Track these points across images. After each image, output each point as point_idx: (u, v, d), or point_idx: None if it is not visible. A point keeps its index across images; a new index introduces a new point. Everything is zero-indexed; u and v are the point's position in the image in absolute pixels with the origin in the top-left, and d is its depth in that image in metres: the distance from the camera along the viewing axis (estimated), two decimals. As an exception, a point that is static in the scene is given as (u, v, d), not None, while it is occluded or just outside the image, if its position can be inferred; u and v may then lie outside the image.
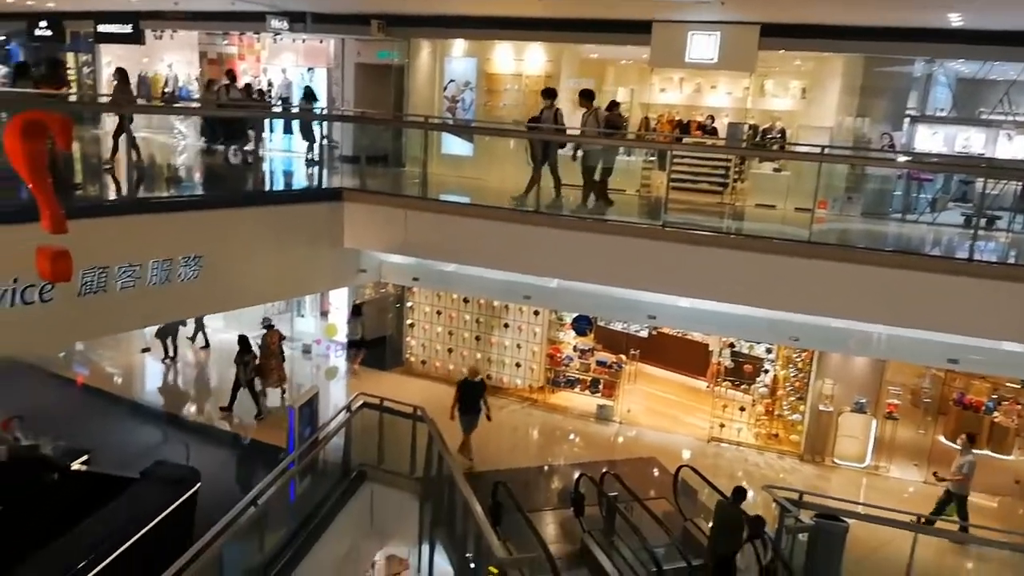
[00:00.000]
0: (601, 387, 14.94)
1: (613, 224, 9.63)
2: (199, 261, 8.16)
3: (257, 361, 13.67)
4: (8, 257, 6.35)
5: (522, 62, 15.28)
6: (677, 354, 15.87)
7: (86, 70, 21.16)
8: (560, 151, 10.70)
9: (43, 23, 20.25)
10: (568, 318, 15.14)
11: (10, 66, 20.74)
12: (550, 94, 11.04)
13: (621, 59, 16.78)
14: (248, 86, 16.05)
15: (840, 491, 11.37)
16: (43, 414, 11.95)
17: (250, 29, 17.44)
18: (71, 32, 20.64)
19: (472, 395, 11.87)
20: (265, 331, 14.06)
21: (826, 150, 11.29)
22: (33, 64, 20.14)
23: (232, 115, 13.94)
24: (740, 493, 8.49)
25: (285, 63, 17.63)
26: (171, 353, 15.92)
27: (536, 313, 15.14)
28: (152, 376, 16.05)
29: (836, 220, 11.24)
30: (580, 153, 10.75)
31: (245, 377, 13.40)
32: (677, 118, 16.14)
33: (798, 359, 13.55)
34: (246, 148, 12.85)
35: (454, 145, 14.92)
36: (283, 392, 14.20)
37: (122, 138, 10.20)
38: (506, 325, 15.35)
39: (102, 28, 18.93)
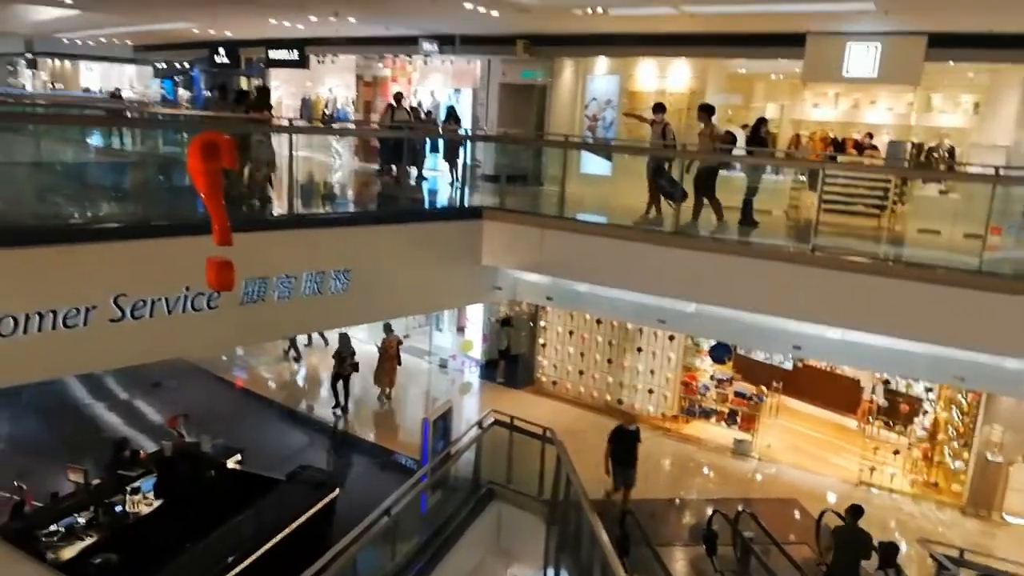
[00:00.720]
0: (739, 420, 14.29)
1: (757, 247, 9.21)
2: (348, 274, 8.60)
3: (354, 359, 14.50)
4: (183, 267, 6.99)
5: (666, 79, 15.03)
6: (824, 389, 14.91)
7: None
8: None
9: (221, 51, 22.29)
10: (705, 345, 14.61)
11: (197, 89, 22.95)
12: (659, 108, 10.77)
13: (771, 73, 16.12)
14: (415, 108, 16.47)
15: (1009, 551, 10.19)
16: (205, 413, 13.00)
17: (403, 52, 18.31)
18: (245, 58, 22.57)
19: (627, 446, 10.88)
20: (385, 335, 14.72)
21: (1002, 171, 10.25)
22: (210, 88, 22.20)
23: (382, 135, 14.62)
24: (858, 511, 7.82)
25: (434, 84, 18.34)
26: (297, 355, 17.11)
27: (671, 338, 14.73)
28: (298, 381, 17.08)
29: (1012, 248, 10.16)
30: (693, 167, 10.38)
31: (339, 371, 14.27)
32: (831, 135, 15.26)
33: (963, 401, 12.34)
34: (411, 168, 13.32)
35: (592, 164, 14.88)
36: (388, 394, 14.91)
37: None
38: (639, 349, 15.04)
39: (272, 54, 20.58)
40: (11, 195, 10.27)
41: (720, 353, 14.30)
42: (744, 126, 14.11)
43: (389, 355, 14.66)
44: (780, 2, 10.18)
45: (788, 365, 14.86)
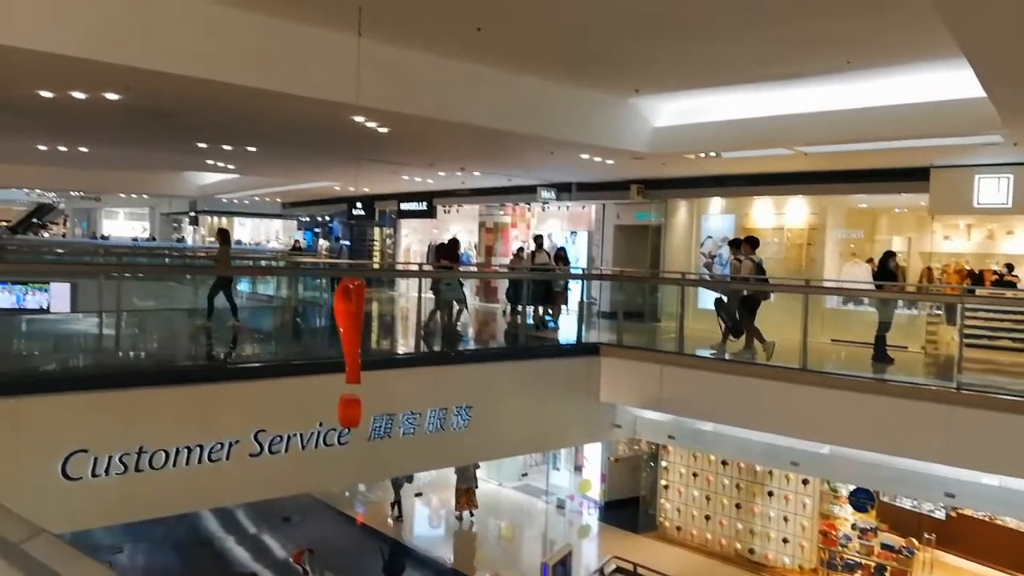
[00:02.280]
0: (887, 575, 12.89)
1: (894, 385, 8.71)
2: (469, 411, 8.80)
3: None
4: (317, 404, 7.43)
5: (783, 215, 15.01)
6: (986, 542, 13.27)
7: (388, 241, 24.79)
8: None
9: (359, 204, 24.38)
10: (844, 490, 13.54)
11: (335, 239, 24.93)
12: (735, 244, 11.32)
13: (894, 207, 15.78)
14: (559, 250, 16.53)
15: None
16: (327, 548, 13.17)
17: (522, 200, 19.38)
18: (379, 211, 24.53)
19: None
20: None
21: None
22: (349, 237, 24.06)
23: (506, 276, 15.21)
24: None
25: (551, 228, 19.14)
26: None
27: (805, 482, 13.77)
28: (420, 520, 17.06)
29: None
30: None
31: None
32: (967, 267, 14.52)
33: None
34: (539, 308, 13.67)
35: (711, 300, 14.79)
36: (471, 514, 15.05)
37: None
38: (770, 493, 14.11)
39: (404, 206, 22.32)
40: (169, 337, 11.41)
41: (861, 500, 13.17)
42: (869, 260, 13.73)
43: (467, 476, 14.78)
44: (900, 139, 10.15)
45: (940, 514, 13.43)
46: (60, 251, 20.89)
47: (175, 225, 39.94)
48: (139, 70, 7.51)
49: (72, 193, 34.29)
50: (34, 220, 37.60)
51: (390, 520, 16.33)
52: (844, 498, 13.72)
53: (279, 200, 30.17)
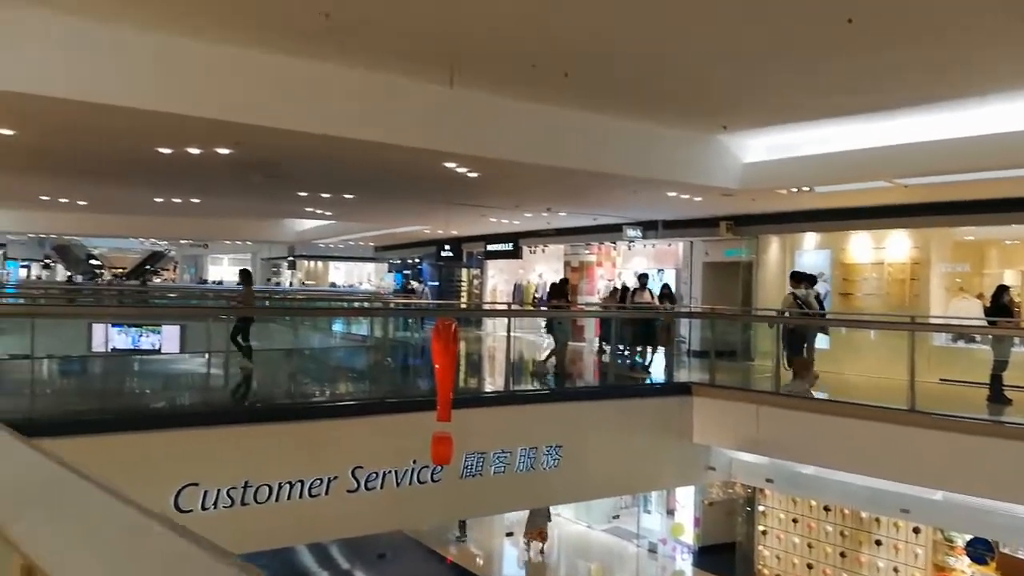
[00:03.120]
0: (1015, 634, 11.87)
1: (1014, 428, 8.15)
2: (560, 451, 8.78)
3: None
4: (411, 441, 7.60)
5: (883, 249, 14.43)
6: None
7: (475, 282, 25.23)
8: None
9: (447, 247, 25.00)
10: (960, 540, 12.65)
11: (425, 280, 25.54)
12: (810, 280, 11.59)
13: (1004, 239, 14.92)
14: (664, 287, 16.13)
15: None
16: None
17: (607, 239, 19.38)
18: (467, 252, 25.06)
19: None
20: None
21: None
22: (437, 278, 24.58)
23: (596, 315, 15.18)
24: None
25: (637, 266, 19.03)
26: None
27: (916, 531, 12.93)
28: (509, 560, 16.94)
29: None
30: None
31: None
32: (1090, 302, 13.51)
33: None
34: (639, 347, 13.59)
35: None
36: (541, 550, 14.90)
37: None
38: (878, 542, 13.31)
39: (490, 247, 22.75)
40: (270, 377, 11.92)
41: (980, 551, 12.25)
42: (979, 295, 12.99)
43: (538, 518, 14.63)
44: (1005, 168, 9.67)
45: (1073, 571, 12.33)
46: (172, 295, 22.26)
47: (274, 269, 41.90)
48: (249, 126, 8.07)
49: (181, 241, 36.58)
50: (147, 267, 40.25)
51: (452, 538, 16.47)
52: (960, 549, 12.81)
53: (371, 244, 31.26)
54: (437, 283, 27.26)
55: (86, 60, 7.02)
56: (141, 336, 15.23)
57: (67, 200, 19.11)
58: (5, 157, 10.90)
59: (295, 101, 8.09)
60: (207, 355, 10.51)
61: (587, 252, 20.98)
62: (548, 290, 13.77)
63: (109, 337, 14.92)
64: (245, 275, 12.48)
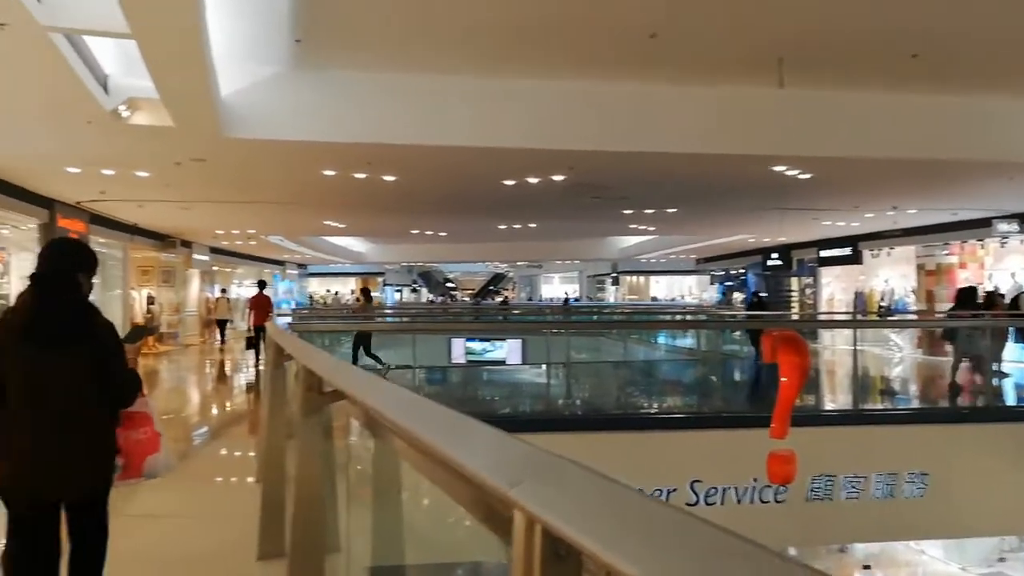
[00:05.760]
0: None
1: None
2: (924, 479, 7.79)
3: None
4: (751, 458, 7.34)
5: None
6: None
7: (808, 291, 23.59)
8: None
9: (774, 255, 23.75)
10: None
11: (749, 292, 24.66)
12: None
13: None
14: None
15: None
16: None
17: (971, 236, 16.78)
18: (797, 259, 23.56)
19: None
20: None
21: None
22: (764, 289, 23.54)
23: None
24: None
25: (1011, 266, 16.15)
26: None
27: None
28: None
29: None
30: None
31: None
32: None
33: None
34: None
35: None
36: None
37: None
38: None
39: (824, 253, 21.08)
40: (600, 387, 12.43)
41: None
42: None
43: None
44: None
45: None
46: (516, 312, 24.54)
47: (599, 285, 43.76)
48: (581, 152, 8.63)
49: (519, 263, 40.09)
50: (490, 288, 44.84)
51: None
52: None
53: (693, 256, 31.02)
54: (765, 294, 26.01)
55: (442, 111, 8.15)
56: (489, 349, 17.01)
57: (431, 232, 22.17)
58: (389, 200, 13.07)
59: (622, 123, 8.44)
60: (544, 366, 11.36)
61: (945, 252, 18.36)
62: (955, 297, 12.23)
63: (464, 349, 16.93)
64: (365, 293, 15.40)
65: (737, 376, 13.97)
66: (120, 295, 16.26)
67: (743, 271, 28.90)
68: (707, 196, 13.38)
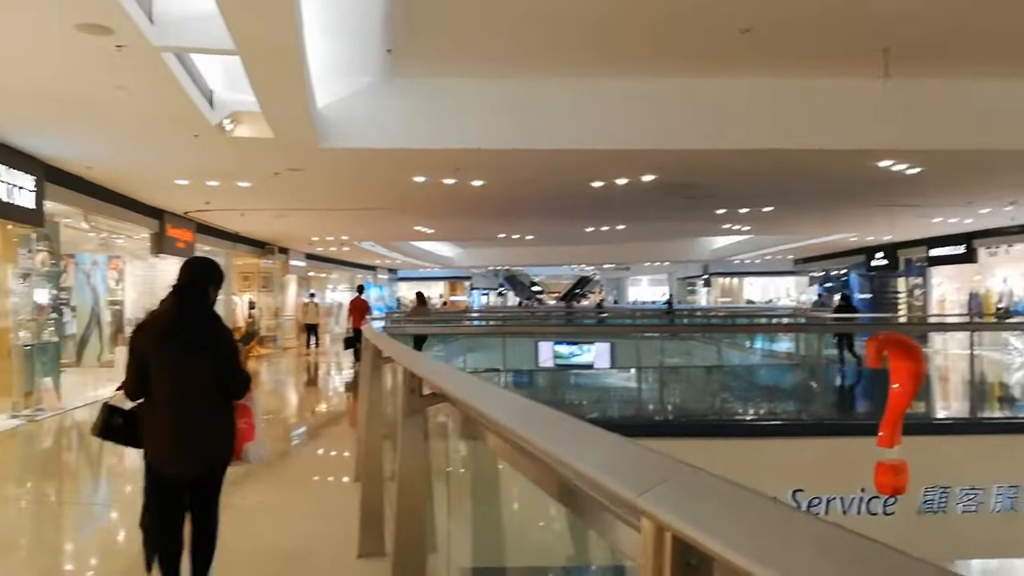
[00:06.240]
0: None
1: None
2: (1052, 494, 7.21)
3: None
4: (857, 467, 6.98)
5: None
6: None
7: (916, 292, 22.34)
8: None
9: (879, 254, 22.60)
10: None
11: (852, 294, 23.64)
12: None
13: None
14: None
15: None
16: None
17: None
18: (904, 259, 22.34)
19: None
20: None
21: None
22: (868, 290, 22.46)
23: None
24: None
25: None
26: None
27: None
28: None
29: None
30: None
31: None
32: None
33: None
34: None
35: None
36: None
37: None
38: None
39: (933, 252, 19.89)
40: (693, 393, 12.13)
41: None
42: None
43: None
44: None
45: None
46: (603, 315, 24.30)
47: (689, 288, 42.83)
48: (671, 151, 8.46)
49: (605, 265, 39.73)
50: (576, 291, 44.59)
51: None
52: None
53: (790, 257, 29.92)
54: (869, 295, 24.79)
55: (531, 114, 8.15)
56: (577, 353, 16.90)
57: (518, 236, 22.27)
58: (477, 204, 13.20)
59: (714, 120, 8.21)
60: (634, 370, 11.14)
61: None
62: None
63: (552, 353, 16.89)
64: (420, 297, 15.77)
65: (839, 382, 13.36)
66: (223, 300, 17.08)
67: (845, 272, 27.63)
68: (806, 194, 12.86)
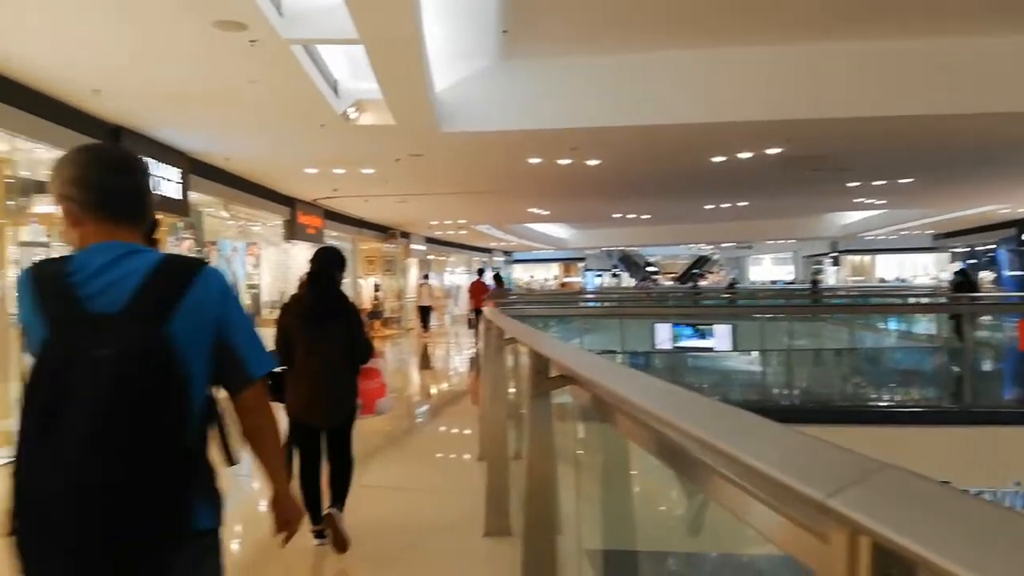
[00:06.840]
0: None
1: None
2: None
3: None
4: (1013, 459, 6.44)
5: None
6: None
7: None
8: None
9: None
10: None
11: (1000, 270, 21.74)
12: None
13: None
14: None
15: None
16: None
17: None
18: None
19: None
20: None
21: None
22: (1019, 266, 20.57)
23: None
24: None
25: None
26: None
27: None
28: None
29: None
30: None
31: None
32: None
33: None
34: None
35: None
36: None
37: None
38: None
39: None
40: (822, 377, 11.52)
41: None
42: None
43: None
44: None
45: None
46: (726, 296, 23.47)
47: (816, 266, 40.72)
48: (799, 121, 7.99)
49: (724, 244, 38.39)
50: (694, 271, 43.39)
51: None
52: None
53: (929, 232, 27.80)
54: (1020, 272, 22.66)
55: (648, 89, 7.91)
56: (696, 335, 16.44)
57: (633, 216, 21.89)
58: (592, 184, 13.05)
59: (848, 87, 7.68)
60: (757, 353, 10.69)
61: None
62: None
63: (671, 334, 16.51)
64: (497, 278, 17.08)
65: (988, 367, 12.32)
66: (350, 283, 17.84)
67: (992, 247, 25.38)
68: (952, 163, 11.85)
